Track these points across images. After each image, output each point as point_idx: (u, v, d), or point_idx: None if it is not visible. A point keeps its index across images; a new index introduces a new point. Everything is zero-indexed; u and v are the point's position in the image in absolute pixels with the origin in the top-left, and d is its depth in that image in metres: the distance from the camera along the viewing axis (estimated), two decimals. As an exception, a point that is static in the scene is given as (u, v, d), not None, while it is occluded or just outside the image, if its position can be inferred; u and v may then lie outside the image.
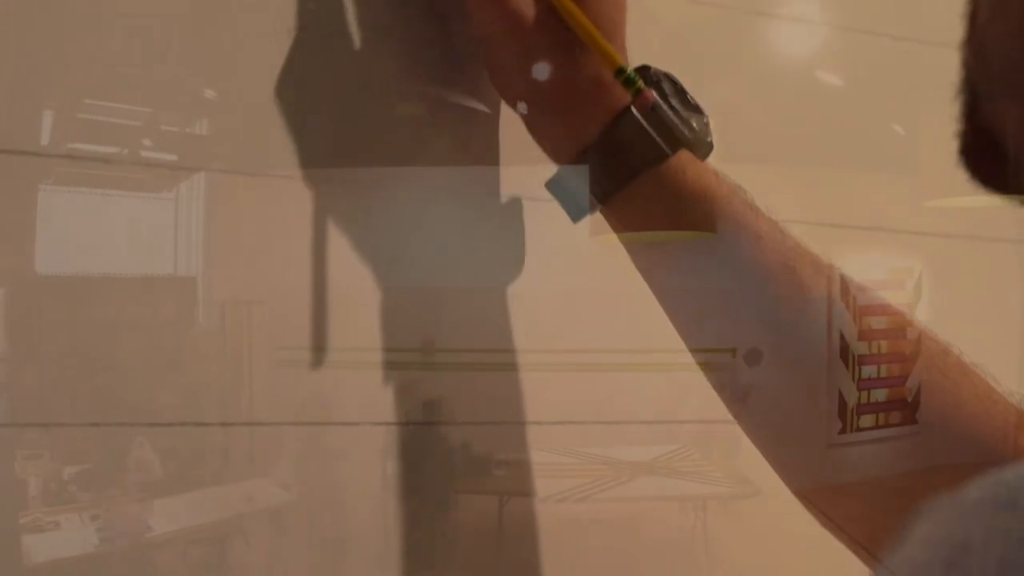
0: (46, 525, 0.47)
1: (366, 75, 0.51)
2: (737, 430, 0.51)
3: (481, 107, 0.51)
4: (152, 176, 0.50)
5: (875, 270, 0.71)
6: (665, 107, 0.44)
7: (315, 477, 0.57)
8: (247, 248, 0.51)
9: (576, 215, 0.49)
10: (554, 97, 0.43)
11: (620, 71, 0.44)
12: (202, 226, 0.49)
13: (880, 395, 0.67)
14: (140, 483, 0.49)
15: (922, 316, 0.59)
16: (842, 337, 0.58)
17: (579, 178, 0.45)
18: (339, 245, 0.52)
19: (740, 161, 0.70)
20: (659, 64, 0.49)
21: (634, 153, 0.43)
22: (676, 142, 0.44)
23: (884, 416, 0.63)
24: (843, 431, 0.63)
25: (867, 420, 0.66)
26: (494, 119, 0.51)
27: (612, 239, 0.51)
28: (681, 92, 0.48)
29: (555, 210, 0.48)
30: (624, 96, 0.44)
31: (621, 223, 0.47)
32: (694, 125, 0.46)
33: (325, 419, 0.52)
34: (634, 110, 0.43)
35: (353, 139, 0.52)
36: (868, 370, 0.61)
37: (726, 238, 0.47)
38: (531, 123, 0.47)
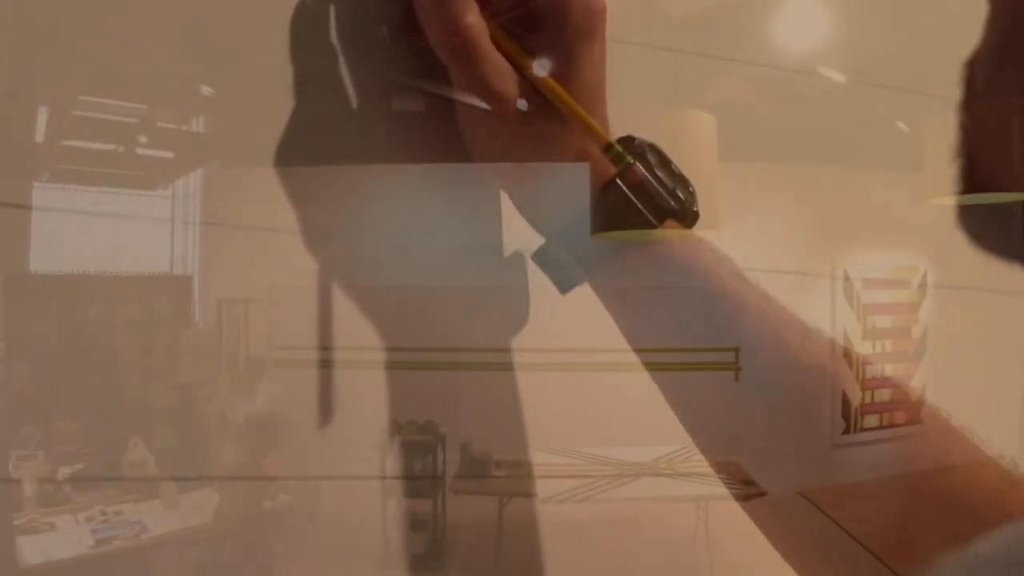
0: (41, 526, 0.47)
1: (366, 72, 0.51)
2: (739, 430, 0.51)
3: (481, 104, 0.51)
4: (148, 173, 0.49)
5: (879, 268, 0.71)
6: (651, 179, 0.45)
7: (314, 477, 0.57)
8: (244, 246, 0.51)
9: (564, 287, 0.49)
10: (538, 173, 0.44)
11: (608, 147, 0.44)
12: (198, 224, 0.49)
13: (884, 395, 0.67)
14: (136, 483, 0.49)
15: (927, 315, 0.59)
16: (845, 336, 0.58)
17: (563, 251, 0.45)
18: (338, 243, 0.52)
19: (742, 159, 0.70)
20: (660, 61, 0.49)
21: (621, 226, 0.43)
22: (663, 213, 0.45)
23: (888, 416, 0.63)
24: (847, 431, 0.63)
25: (871, 420, 0.66)
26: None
27: (612, 237, 0.50)
28: (666, 162, 0.48)
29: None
30: (608, 168, 0.44)
31: (609, 296, 0.47)
32: (680, 195, 0.47)
33: (323, 418, 0.52)
34: (620, 183, 0.44)
35: (352, 136, 0.52)
36: (872, 369, 0.61)
37: (713, 308, 0.47)
38: (515, 196, 0.47)
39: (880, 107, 0.67)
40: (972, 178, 0.36)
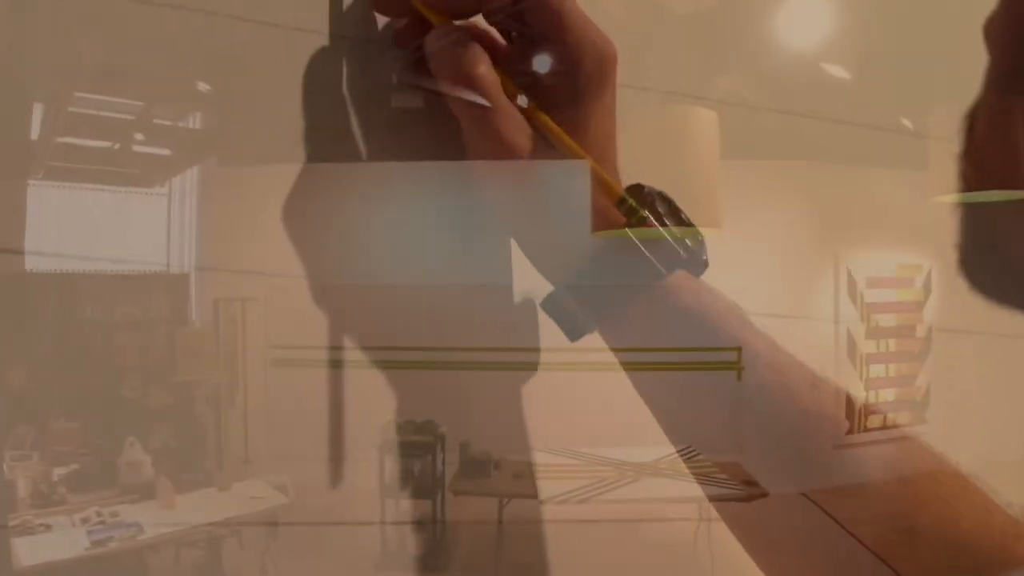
0: (36, 528, 0.47)
1: (365, 69, 0.51)
2: (741, 430, 0.51)
3: (482, 101, 0.51)
4: (145, 171, 0.49)
5: (883, 266, 0.71)
6: (661, 229, 0.45)
7: (312, 477, 0.57)
8: (241, 244, 0.51)
9: (573, 335, 0.49)
10: (547, 221, 0.44)
11: (622, 201, 0.44)
12: (195, 222, 0.49)
13: (888, 395, 0.67)
14: (132, 484, 0.49)
15: (932, 313, 0.59)
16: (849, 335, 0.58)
17: (575, 298, 0.45)
18: (336, 241, 0.52)
19: (743, 157, 0.70)
20: (662, 58, 0.48)
21: (630, 275, 0.43)
22: (673, 262, 0.45)
23: (892, 416, 0.63)
24: (850, 431, 0.63)
25: (875, 420, 0.66)
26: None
27: (612, 235, 0.50)
28: (676, 211, 0.49)
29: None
30: (618, 217, 0.44)
31: (619, 343, 0.47)
32: (688, 244, 0.47)
33: (322, 418, 0.52)
34: (629, 231, 0.44)
35: (352, 133, 0.52)
36: (876, 369, 0.61)
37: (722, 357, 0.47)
38: (524, 244, 0.47)
39: (884, 104, 0.67)
40: (978, 176, 0.36)
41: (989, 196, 0.42)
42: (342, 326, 0.52)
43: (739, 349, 0.47)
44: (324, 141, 0.52)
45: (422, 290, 0.56)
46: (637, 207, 0.43)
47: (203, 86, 0.48)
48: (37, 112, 0.46)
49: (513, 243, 0.49)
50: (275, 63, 0.48)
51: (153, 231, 0.49)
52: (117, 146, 0.48)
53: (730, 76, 0.66)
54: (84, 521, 0.49)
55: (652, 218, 0.44)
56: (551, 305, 0.48)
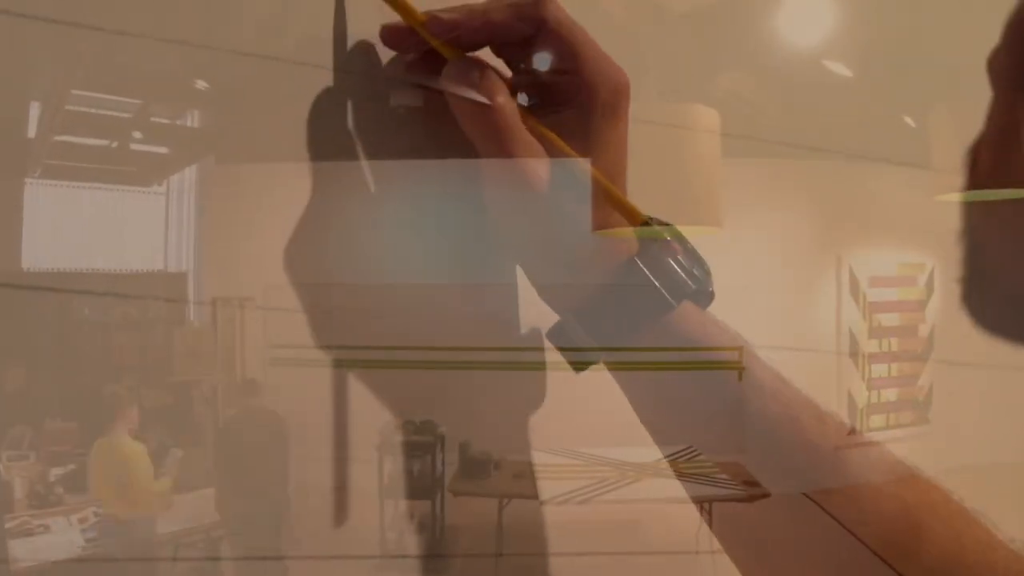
0: (35, 529, 0.47)
1: (365, 67, 0.51)
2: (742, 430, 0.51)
3: (481, 99, 0.51)
4: (142, 169, 0.49)
5: (885, 265, 0.71)
6: (668, 258, 0.45)
7: (311, 477, 0.57)
8: (239, 243, 0.51)
9: (579, 367, 0.49)
10: (554, 252, 0.44)
11: (645, 223, 0.44)
12: (193, 221, 0.49)
13: (891, 395, 0.67)
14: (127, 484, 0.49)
15: (935, 312, 0.59)
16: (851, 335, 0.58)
17: (581, 328, 0.45)
18: (335, 240, 0.52)
19: (746, 154, 0.70)
20: (664, 55, 0.48)
21: (638, 305, 0.44)
22: (681, 293, 0.45)
23: (895, 416, 0.63)
24: (852, 432, 0.63)
25: (877, 421, 0.66)
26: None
27: (613, 234, 0.50)
28: (683, 241, 0.49)
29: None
30: (629, 246, 0.44)
31: (625, 374, 0.47)
32: (696, 274, 0.47)
33: (320, 418, 0.52)
34: (639, 262, 0.44)
35: (350, 131, 0.52)
36: (878, 368, 0.60)
37: (728, 386, 0.47)
38: (531, 273, 0.47)
39: (887, 101, 0.67)
40: (984, 173, 0.36)
41: (997, 195, 0.42)
42: (341, 325, 0.52)
43: (741, 349, 0.47)
44: (323, 138, 0.52)
45: (422, 289, 0.56)
46: (659, 230, 0.43)
47: (201, 84, 0.48)
48: (34, 110, 0.46)
49: (520, 271, 0.49)
50: (274, 59, 0.48)
51: (151, 230, 0.49)
52: (115, 144, 0.48)
53: (731, 74, 0.66)
54: (81, 521, 0.49)
55: (663, 250, 0.44)
56: (557, 336, 0.49)
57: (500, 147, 0.41)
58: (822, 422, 0.49)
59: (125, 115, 0.48)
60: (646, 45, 0.49)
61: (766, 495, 0.50)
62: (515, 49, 0.42)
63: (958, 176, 0.52)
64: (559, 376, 0.57)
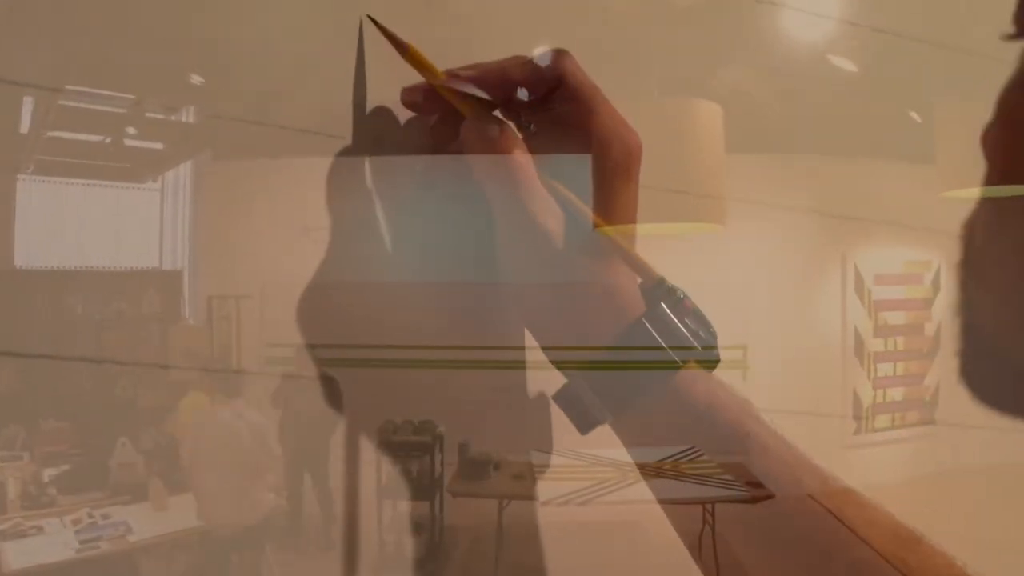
0: (28, 530, 0.47)
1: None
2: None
3: (482, 94, 0.51)
4: (137, 165, 0.49)
5: (891, 263, 0.71)
6: (675, 320, 0.45)
7: (308, 477, 0.57)
8: (235, 241, 0.51)
9: (585, 428, 0.49)
10: (560, 312, 0.44)
11: (660, 282, 0.44)
12: (188, 218, 0.49)
13: (896, 394, 0.67)
14: (124, 485, 0.49)
15: (941, 310, 0.59)
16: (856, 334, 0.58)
17: (587, 391, 0.45)
18: (333, 238, 0.52)
19: (750, 151, 0.70)
20: (664, 51, 0.48)
21: (645, 366, 0.44)
22: (687, 354, 0.45)
23: (901, 416, 0.63)
24: (858, 432, 0.63)
25: (883, 420, 0.66)
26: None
27: (614, 232, 0.50)
28: (689, 303, 0.49)
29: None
30: (636, 306, 0.45)
31: (630, 437, 0.48)
32: (702, 336, 0.47)
33: (318, 418, 0.52)
34: (646, 322, 0.44)
35: (349, 127, 0.51)
36: (884, 367, 0.60)
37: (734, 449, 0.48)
38: (538, 334, 0.47)
39: (892, 96, 0.67)
40: (974, 333, 0.37)
41: (1003, 191, 0.41)
42: (338, 324, 0.52)
43: (745, 348, 0.47)
44: (321, 135, 0.52)
45: (421, 287, 0.56)
46: (675, 287, 0.43)
47: (196, 78, 0.48)
48: (27, 105, 0.46)
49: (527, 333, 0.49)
50: (271, 55, 0.48)
51: (145, 227, 0.49)
52: (109, 140, 0.48)
53: (734, 69, 0.66)
54: (75, 523, 0.49)
55: (671, 312, 0.45)
56: (564, 398, 0.49)
57: (514, 202, 0.41)
58: (826, 485, 0.49)
59: (120, 110, 0.48)
60: (648, 39, 0.49)
61: (770, 496, 0.51)
62: (528, 109, 0.43)
63: (964, 172, 0.52)
64: (559, 376, 0.57)
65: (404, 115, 0.48)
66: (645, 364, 0.44)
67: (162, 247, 0.49)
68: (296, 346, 0.52)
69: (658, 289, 0.47)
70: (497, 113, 0.47)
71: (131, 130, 0.48)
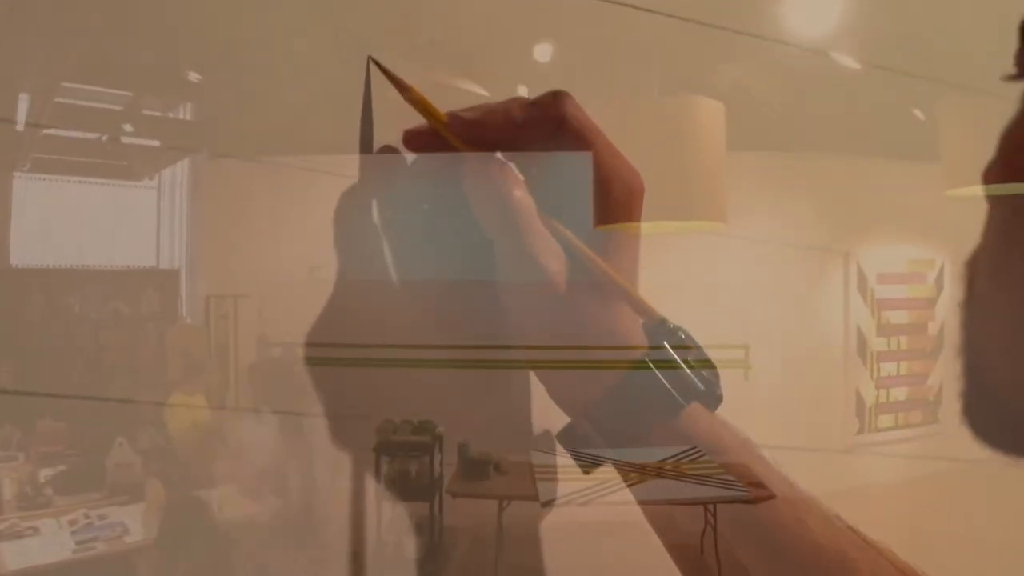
0: (24, 531, 0.47)
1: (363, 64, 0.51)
2: (748, 430, 0.51)
3: (483, 92, 0.51)
4: (134, 163, 0.49)
5: (894, 262, 0.71)
6: (678, 359, 0.45)
7: (308, 478, 0.57)
8: (233, 239, 0.51)
9: (587, 467, 0.50)
10: (568, 354, 0.45)
11: (662, 322, 0.45)
12: (186, 216, 0.49)
13: (899, 394, 0.67)
14: (121, 486, 0.49)
15: (945, 309, 0.59)
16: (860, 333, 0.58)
17: (591, 431, 0.45)
18: (331, 236, 0.52)
19: (753, 149, 0.70)
20: (666, 48, 0.48)
21: (649, 406, 0.44)
22: (690, 394, 0.45)
23: (904, 416, 0.63)
24: (861, 431, 0.63)
25: (886, 420, 0.66)
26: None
27: (615, 229, 0.50)
28: (693, 342, 0.49)
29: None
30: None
31: (634, 475, 0.48)
32: (705, 375, 0.47)
33: (315, 417, 0.52)
34: (650, 363, 0.45)
35: (349, 125, 0.51)
36: (887, 367, 0.60)
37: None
38: (542, 375, 0.47)
39: (895, 94, 0.67)
40: (975, 374, 0.37)
41: (1011, 188, 0.41)
42: (336, 322, 0.52)
43: (747, 347, 0.47)
44: (318, 132, 0.52)
45: (421, 286, 0.55)
46: (676, 328, 0.44)
47: (194, 75, 0.48)
48: (23, 102, 0.46)
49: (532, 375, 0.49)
50: (268, 51, 0.48)
51: (143, 225, 0.49)
52: (105, 137, 0.48)
53: (736, 66, 0.66)
54: (72, 524, 0.49)
55: (673, 351, 0.45)
56: (567, 438, 0.49)
57: (517, 243, 0.41)
58: (830, 524, 0.50)
59: (116, 107, 0.48)
60: (650, 35, 0.49)
61: (771, 496, 0.51)
62: (530, 148, 0.43)
63: (968, 170, 0.52)
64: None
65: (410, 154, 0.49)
66: (647, 404, 0.45)
67: (159, 246, 0.49)
68: (295, 345, 0.52)
69: (660, 329, 0.47)
70: (498, 154, 0.47)
71: (128, 127, 0.48)
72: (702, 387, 0.42)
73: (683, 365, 0.42)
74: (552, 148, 0.44)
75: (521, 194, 0.40)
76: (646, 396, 0.41)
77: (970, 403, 0.37)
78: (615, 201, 0.42)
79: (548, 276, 0.41)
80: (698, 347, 0.45)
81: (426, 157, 0.49)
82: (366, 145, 0.48)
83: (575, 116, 0.46)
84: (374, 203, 0.49)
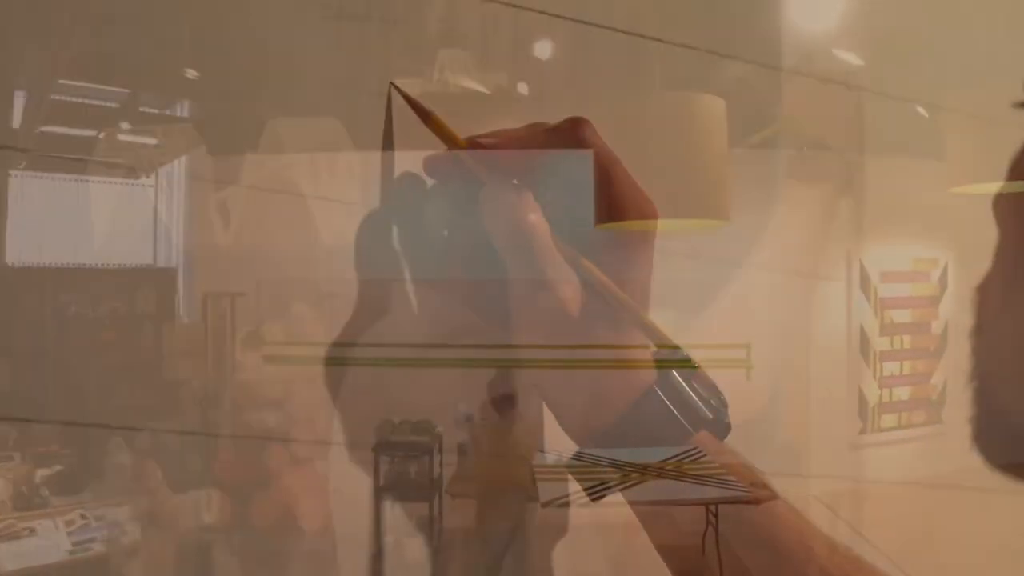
0: (21, 532, 0.47)
1: (363, 62, 0.51)
2: (750, 431, 0.51)
3: (483, 89, 0.50)
4: (131, 161, 0.49)
5: (897, 260, 0.70)
6: (687, 387, 0.46)
7: (306, 478, 0.57)
8: (230, 237, 0.51)
9: (596, 495, 0.50)
10: (580, 376, 0.45)
11: (675, 349, 0.45)
12: (183, 214, 0.49)
13: (903, 393, 0.67)
14: (117, 486, 0.49)
15: (948, 309, 0.59)
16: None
17: (598, 459, 0.46)
18: (329, 234, 0.52)
19: (752, 146, 0.70)
20: (668, 44, 0.48)
21: (657, 434, 0.45)
22: (698, 422, 0.46)
23: (907, 416, 0.63)
24: (864, 431, 0.63)
25: (889, 420, 0.66)
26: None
27: (616, 228, 0.50)
28: (699, 371, 0.50)
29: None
30: (648, 376, 0.46)
31: (641, 506, 0.49)
32: (713, 404, 0.48)
33: (314, 417, 0.52)
34: (658, 390, 0.45)
35: (349, 124, 0.51)
36: (890, 366, 0.60)
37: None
38: (553, 405, 0.48)
39: (899, 90, 0.67)
40: (986, 401, 0.37)
41: (1016, 186, 0.41)
42: (335, 322, 0.52)
43: (748, 346, 0.47)
44: (317, 129, 0.52)
45: (418, 285, 0.55)
46: (688, 358, 0.44)
47: (191, 72, 0.48)
48: (18, 99, 0.46)
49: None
50: (266, 48, 0.48)
51: (139, 224, 0.49)
52: (102, 135, 0.48)
53: (739, 63, 0.66)
54: (68, 524, 0.49)
55: (682, 379, 0.46)
56: (576, 464, 0.50)
57: (532, 268, 0.42)
58: (835, 551, 0.50)
59: (113, 105, 0.48)
60: (651, 32, 0.49)
61: (774, 497, 0.51)
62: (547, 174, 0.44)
63: (973, 168, 0.52)
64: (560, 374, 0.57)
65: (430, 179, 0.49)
66: (656, 433, 0.45)
67: (156, 244, 0.49)
68: (293, 344, 0.52)
69: (671, 357, 0.47)
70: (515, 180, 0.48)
71: (125, 125, 0.48)
72: (710, 416, 0.43)
73: (692, 393, 0.42)
74: (568, 174, 0.44)
75: (536, 219, 0.41)
76: (654, 424, 0.41)
77: (981, 429, 0.37)
78: (628, 232, 0.43)
79: (561, 301, 0.41)
80: (707, 375, 0.45)
81: (445, 182, 0.49)
82: (388, 169, 0.48)
83: (593, 143, 0.47)
84: (394, 228, 0.49)
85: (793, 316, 0.81)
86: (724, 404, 0.44)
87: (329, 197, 0.54)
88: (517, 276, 0.40)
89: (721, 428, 0.44)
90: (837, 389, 0.75)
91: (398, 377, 0.48)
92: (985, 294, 0.34)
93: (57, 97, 0.48)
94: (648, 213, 0.43)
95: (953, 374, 0.62)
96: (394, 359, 0.48)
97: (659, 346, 0.44)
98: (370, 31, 0.51)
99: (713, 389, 0.44)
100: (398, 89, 0.42)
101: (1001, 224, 0.34)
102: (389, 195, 0.48)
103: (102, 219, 0.49)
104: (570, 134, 0.45)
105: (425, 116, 0.44)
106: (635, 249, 0.44)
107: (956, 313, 0.60)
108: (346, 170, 0.60)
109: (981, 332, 0.35)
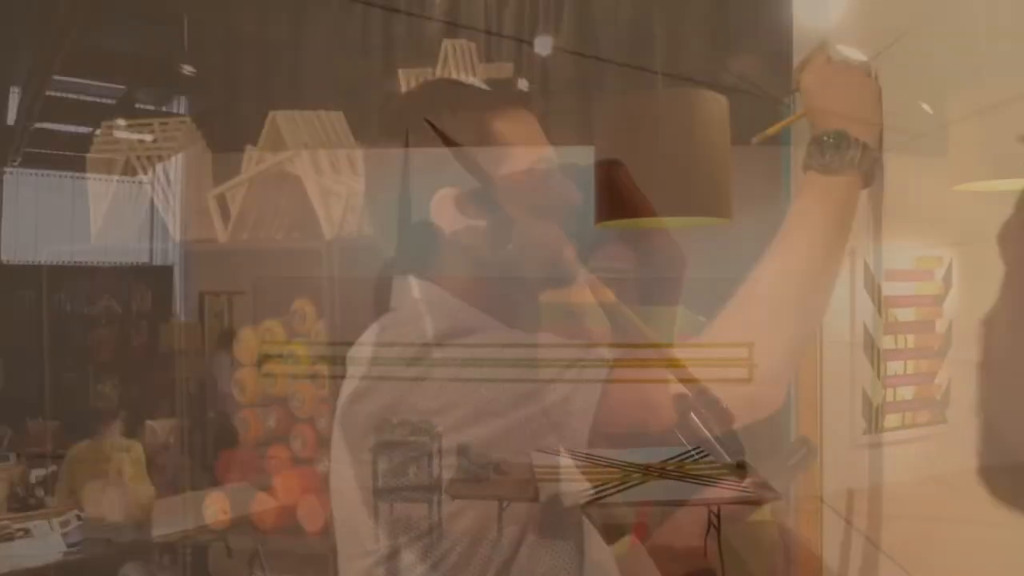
0: (15, 533, 0.47)
1: (362, 62, 0.51)
2: (751, 431, 0.51)
3: (484, 87, 0.51)
4: (127, 158, 0.49)
5: (901, 258, 0.71)
6: (708, 435, 0.48)
7: (305, 478, 0.57)
8: (228, 236, 0.51)
9: (611, 538, 0.53)
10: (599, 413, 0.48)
11: (702, 392, 0.48)
12: (180, 211, 0.49)
13: (906, 393, 0.67)
14: (116, 486, 0.49)
15: (953, 307, 0.59)
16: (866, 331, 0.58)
17: (617, 501, 0.47)
18: (331, 231, 0.52)
19: (755, 143, 0.70)
20: (669, 41, 0.48)
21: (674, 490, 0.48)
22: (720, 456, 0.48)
23: (911, 416, 0.63)
24: (867, 431, 0.63)
25: (893, 420, 0.66)
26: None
27: (615, 226, 0.50)
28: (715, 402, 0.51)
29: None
30: (668, 416, 0.48)
31: (658, 542, 0.51)
32: (732, 448, 0.50)
33: (313, 417, 0.52)
34: (677, 432, 0.48)
35: (349, 122, 0.52)
36: (894, 366, 0.60)
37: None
38: (570, 444, 0.50)
39: (903, 86, 0.67)
40: (1003, 350, 0.38)
41: (1017, 185, 0.42)
42: (334, 321, 0.52)
43: (751, 345, 0.47)
44: (320, 126, 0.52)
45: (418, 285, 0.56)
46: (717, 399, 0.47)
47: (188, 69, 0.49)
48: (13, 96, 0.47)
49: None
50: (264, 46, 0.49)
51: (136, 221, 0.49)
52: (98, 131, 0.48)
53: (742, 59, 0.66)
54: (63, 525, 0.49)
55: (700, 422, 0.48)
56: (591, 507, 0.52)
57: (566, 299, 0.46)
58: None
59: (109, 101, 0.48)
60: (652, 28, 0.49)
61: (776, 497, 0.51)
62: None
63: (978, 165, 0.52)
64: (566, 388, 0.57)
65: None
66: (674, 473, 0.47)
67: (153, 241, 0.49)
68: (292, 343, 0.53)
69: (695, 401, 0.49)
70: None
71: (121, 122, 0.48)
72: (728, 459, 0.44)
73: (710, 437, 0.43)
74: (605, 215, 0.47)
75: (570, 253, 0.44)
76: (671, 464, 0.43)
77: (987, 464, 0.37)
78: (659, 277, 0.46)
79: (589, 337, 0.44)
80: (726, 412, 0.46)
81: (478, 219, 0.50)
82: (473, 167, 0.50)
83: (627, 187, 0.50)
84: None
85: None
86: (741, 449, 0.46)
87: (331, 191, 0.54)
88: (549, 310, 0.42)
89: (741, 469, 0.45)
90: (840, 388, 0.75)
91: (403, 375, 0.48)
92: (991, 327, 0.35)
93: (53, 94, 0.48)
94: (675, 259, 0.46)
95: (957, 374, 0.62)
96: (394, 358, 0.49)
97: (683, 388, 0.46)
98: (374, 18, 0.51)
99: (731, 432, 0.45)
100: (433, 126, 0.45)
101: (1006, 259, 0.35)
102: (406, 243, 0.51)
103: (98, 215, 0.49)
104: (605, 177, 0.48)
105: (458, 151, 0.47)
106: (661, 298, 0.47)
107: (960, 312, 0.60)
108: (348, 165, 0.60)
109: (988, 367, 0.36)
